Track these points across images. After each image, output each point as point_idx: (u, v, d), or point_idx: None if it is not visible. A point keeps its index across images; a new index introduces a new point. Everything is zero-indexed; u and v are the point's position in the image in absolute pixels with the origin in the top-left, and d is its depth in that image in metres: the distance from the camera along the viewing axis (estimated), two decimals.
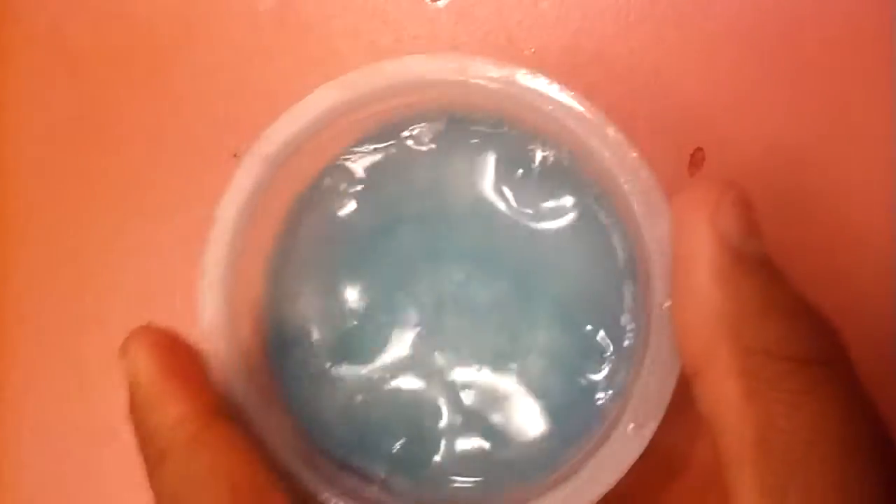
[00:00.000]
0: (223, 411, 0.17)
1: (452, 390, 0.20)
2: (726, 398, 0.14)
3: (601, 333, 0.19)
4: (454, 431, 0.20)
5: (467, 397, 0.20)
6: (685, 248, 0.15)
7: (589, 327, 0.19)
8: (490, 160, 0.20)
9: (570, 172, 0.20)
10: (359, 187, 0.21)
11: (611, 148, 0.18)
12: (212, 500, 0.16)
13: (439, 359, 0.20)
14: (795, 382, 0.14)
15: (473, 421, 0.20)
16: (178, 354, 0.18)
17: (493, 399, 0.20)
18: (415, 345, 0.20)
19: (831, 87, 0.22)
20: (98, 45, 0.26)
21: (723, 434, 0.15)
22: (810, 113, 0.22)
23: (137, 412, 0.17)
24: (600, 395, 0.19)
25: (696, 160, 0.20)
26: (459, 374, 0.20)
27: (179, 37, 0.25)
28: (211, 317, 0.19)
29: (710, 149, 0.21)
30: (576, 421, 0.19)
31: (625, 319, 0.19)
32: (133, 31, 0.26)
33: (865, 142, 0.22)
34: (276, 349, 0.20)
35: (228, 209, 0.19)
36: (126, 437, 0.24)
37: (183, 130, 0.25)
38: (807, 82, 0.22)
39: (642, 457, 0.17)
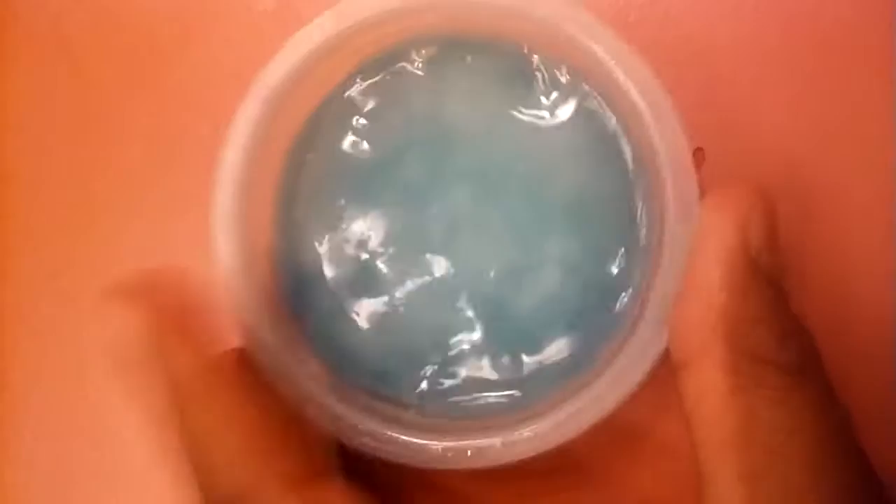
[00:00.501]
0: (237, 352, 0.17)
1: (472, 309, 0.20)
2: (713, 390, 0.15)
3: (615, 237, 0.19)
4: (479, 349, 0.20)
5: (488, 314, 0.20)
6: (706, 244, 0.16)
7: (602, 232, 0.19)
8: (488, 76, 0.20)
9: (571, 79, 0.20)
10: (359, 118, 0.20)
11: (610, 49, 0.18)
12: (231, 445, 0.16)
13: (456, 279, 0.20)
14: (777, 383, 0.15)
15: (496, 337, 0.20)
16: (182, 299, 0.17)
17: (514, 313, 0.20)
18: (430, 269, 0.20)
19: (831, 88, 0.22)
20: (98, 44, 0.26)
21: (705, 423, 0.15)
22: (810, 113, 0.22)
23: (153, 357, 0.17)
24: (619, 296, 0.19)
25: (697, 160, 0.20)
26: (478, 293, 0.20)
27: (179, 37, 0.25)
28: (226, 262, 0.19)
29: (710, 149, 0.21)
30: (597, 324, 0.19)
31: (638, 220, 0.19)
32: (133, 31, 0.26)
33: (866, 142, 0.22)
34: (295, 289, 0.20)
35: (232, 152, 0.19)
36: (126, 437, 0.24)
37: (183, 130, 0.25)
38: (807, 82, 0.22)
39: (602, 429, 0.18)
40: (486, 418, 0.19)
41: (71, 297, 0.26)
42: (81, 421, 0.25)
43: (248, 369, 0.17)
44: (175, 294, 0.18)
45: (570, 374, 0.19)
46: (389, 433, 0.18)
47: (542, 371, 0.20)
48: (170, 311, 0.17)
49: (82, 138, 0.26)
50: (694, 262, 0.16)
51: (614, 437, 0.20)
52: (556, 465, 0.21)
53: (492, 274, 0.20)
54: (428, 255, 0.20)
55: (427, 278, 0.20)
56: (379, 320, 0.20)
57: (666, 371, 0.18)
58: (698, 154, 0.21)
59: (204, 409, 0.17)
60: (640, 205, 0.19)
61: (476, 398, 0.20)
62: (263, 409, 0.17)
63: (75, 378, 0.25)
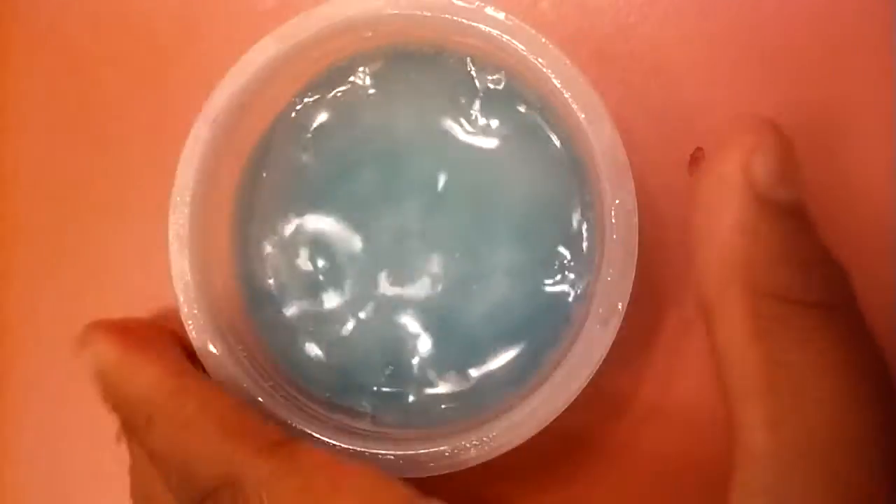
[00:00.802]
0: (191, 366, 0.19)
1: (426, 319, 0.20)
2: (736, 335, 0.15)
3: (560, 242, 0.20)
4: (433, 358, 0.20)
5: (438, 325, 0.20)
6: (713, 192, 0.16)
7: (548, 238, 0.20)
8: (432, 91, 0.21)
9: (512, 91, 0.20)
10: (309, 136, 0.21)
11: (548, 60, 0.19)
12: (204, 434, 0.17)
13: (410, 290, 0.20)
14: (803, 322, 0.15)
15: (450, 345, 0.20)
16: (133, 330, 0.19)
17: (463, 323, 0.20)
18: (384, 281, 0.20)
19: (832, 87, 0.22)
20: (98, 45, 0.26)
21: (731, 369, 0.15)
22: (810, 113, 0.22)
23: (113, 391, 0.18)
24: (567, 300, 0.20)
25: (696, 160, 0.20)
26: (431, 303, 0.20)
27: (179, 37, 0.25)
28: (183, 281, 0.19)
29: (710, 149, 0.22)
30: (547, 327, 0.20)
31: (580, 225, 0.20)
32: (133, 31, 0.26)
33: (866, 142, 0.22)
34: (252, 304, 0.21)
35: (185, 174, 0.20)
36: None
37: (183, 131, 0.25)
38: (807, 82, 0.22)
39: (589, 400, 0.18)
40: (438, 426, 0.20)
41: (71, 296, 0.26)
42: (81, 421, 0.25)
43: (199, 377, 0.18)
44: (127, 323, 0.19)
45: (519, 380, 0.20)
46: (342, 445, 0.19)
47: (491, 378, 0.20)
48: (130, 333, 0.19)
49: (82, 138, 0.26)
50: (701, 209, 0.16)
51: (602, 407, 0.21)
52: (554, 449, 0.21)
53: (441, 286, 0.20)
54: (380, 270, 0.20)
55: (379, 292, 0.20)
56: (333, 333, 0.21)
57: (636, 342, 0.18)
58: (698, 153, 0.21)
59: (177, 407, 0.17)
60: (582, 212, 0.20)
61: (428, 407, 0.20)
62: (226, 402, 0.18)
63: (75, 378, 0.25)
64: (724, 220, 0.15)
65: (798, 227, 0.15)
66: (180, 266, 0.20)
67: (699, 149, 0.21)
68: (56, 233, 0.26)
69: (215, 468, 0.17)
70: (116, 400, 0.19)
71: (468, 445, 0.18)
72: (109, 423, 0.25)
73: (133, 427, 0.18)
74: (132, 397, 0.18)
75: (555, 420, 0.18)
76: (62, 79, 0.26)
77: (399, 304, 0.20)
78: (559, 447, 0.22)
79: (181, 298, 0.19)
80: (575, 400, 0.18)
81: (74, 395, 0.25)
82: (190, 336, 0.19)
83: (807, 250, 0.15)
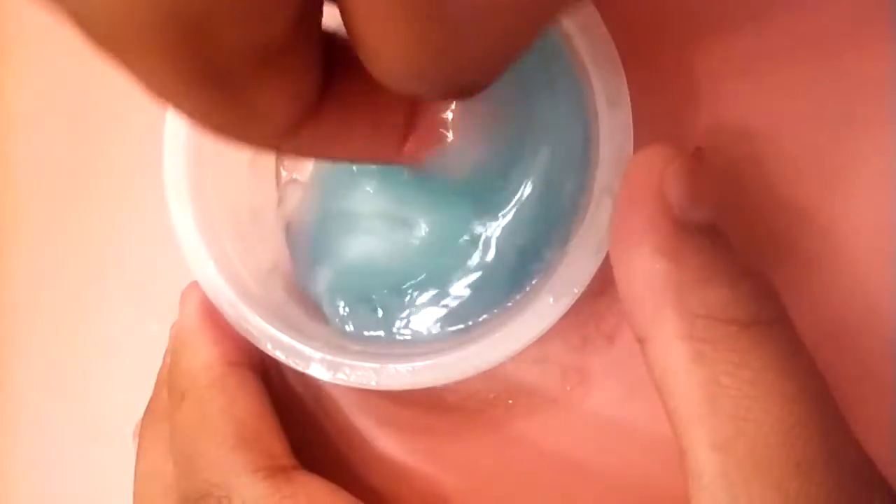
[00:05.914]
0: (244, 361, 0.19)
1: (421, 252, 0.21)
2: (674, 361, 0.15)
3: (546, 219, 0.20)
4: (424, 285, 0.21)
5: (433, 259, 0.21)
6: (631, 219, 0.16)
7: (538, 205, 0.20)
8: None
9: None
10: None
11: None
12: (219, 435, 0.18)
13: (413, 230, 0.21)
14: (738, 343, 0.15)
15: (441, 276, 0.21)
16: (216, 311, 0.20)
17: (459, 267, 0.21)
18: (390, 223, 0.21)
19: (832, 87, 0.22)
20: None
21: (672, 395, 0.15)
22: (810, 112, 0.22)
23: (174, 357, 0.19)
24: (530, 268, 0.20)
25: (696, 159, 0.20)
26: (426, 241, 0.21)
27: None
28: (188, 242, 0.20)
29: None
30: (501, 287, 0.20)
31: (568, 203, 0.20)
32: None
33: (866, 142, 0.22)
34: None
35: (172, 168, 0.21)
36: (126, 436, 0.24)
37: None
38: (807, 82, 0.22)
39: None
40: (430, 344, 0.20)
41: (71, 295, 0.26)
42: (81, 421, 0.25)
43: (246, 375, 0.19)
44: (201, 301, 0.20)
45: (464, 320, 0.20)
46: (340, 359, 0.19)
47: (478, 299, 0.21)
48: (199, 314, 0.20)
49: (82, 137, 0.26)
50: (620, 237, 0.16)
51: (587, 433, 0.21)
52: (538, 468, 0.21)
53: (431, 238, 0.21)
54: (392, 210, 0.21)
55: (368, 238, 0.21)
56: (341, 260, 0.21)
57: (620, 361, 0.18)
58: (697, 153, 0.22)
59: (209, 398, 0.18)
60: (572, 189, 0.20)
61: (421, 327, 0.21)
62: (252, 410, 0.18)
63: (75, 377, 0.25)
64: (645, 246, 0.15)
65: (718, 245, 0.16)
66: (185, 233, 0.20)
67: (699, 148, 0.21)
68: (56, 230, 0.26)
69: (215, 475, 0.17)
70: (171, 367, 0.19)
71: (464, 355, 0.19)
72: (108, 422, 0.25)
73: (169, 397, 0.19)
74: (182, 368, 0.19)
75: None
76: (63, 77, 0.26)
77: (404, 241, 0.21)
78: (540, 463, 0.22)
79: (190, 260, 0.20)
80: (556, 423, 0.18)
81: (74, 395, 0.25)
82: (206, 294, 0.20)
83: (729, 266, 0.15)
